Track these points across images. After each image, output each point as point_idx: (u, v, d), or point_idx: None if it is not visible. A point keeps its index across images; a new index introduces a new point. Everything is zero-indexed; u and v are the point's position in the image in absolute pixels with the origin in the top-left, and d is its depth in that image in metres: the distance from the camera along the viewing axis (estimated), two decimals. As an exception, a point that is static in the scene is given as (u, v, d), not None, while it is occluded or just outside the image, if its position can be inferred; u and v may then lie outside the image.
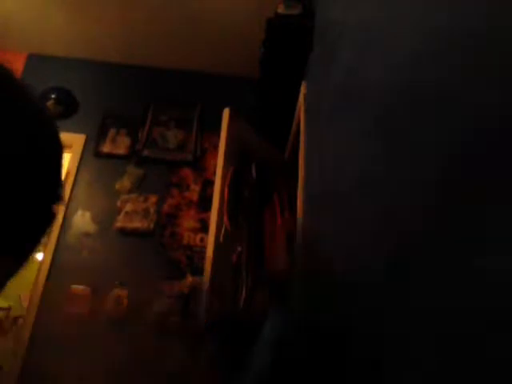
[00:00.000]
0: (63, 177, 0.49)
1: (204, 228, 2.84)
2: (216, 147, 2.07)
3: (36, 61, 3.42)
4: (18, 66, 3.29)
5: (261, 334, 1.26)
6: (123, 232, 2.87)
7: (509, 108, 0.41)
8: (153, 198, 2.98)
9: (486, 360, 0.41)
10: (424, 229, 0.58)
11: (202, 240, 2.82)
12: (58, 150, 0.46)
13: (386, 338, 0.68)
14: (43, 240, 0.46)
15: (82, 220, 2.90)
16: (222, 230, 1.90)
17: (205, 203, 2.91)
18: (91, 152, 3.13)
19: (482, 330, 0.42)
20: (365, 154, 0.94)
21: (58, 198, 0.46)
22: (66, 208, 2.91)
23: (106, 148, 3.14)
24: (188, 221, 2.93)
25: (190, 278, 2.67)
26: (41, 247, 2.76)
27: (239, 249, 2.00)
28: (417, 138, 0.64)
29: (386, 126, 0.80)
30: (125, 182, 3.02)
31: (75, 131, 3.16)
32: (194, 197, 2.99)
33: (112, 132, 3.20)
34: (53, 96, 3.17)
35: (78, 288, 2.71)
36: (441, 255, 0.52)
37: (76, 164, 3.08)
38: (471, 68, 0.50)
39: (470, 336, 0.44)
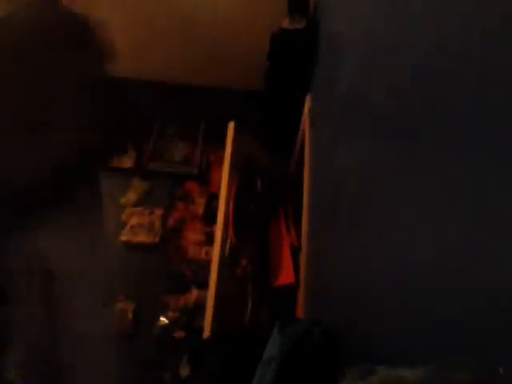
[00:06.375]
0: None
1: (209, 241, 2.83)
2: (221, 161, 2.08)
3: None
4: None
5: (267, 348, 1.25)
6: (128, 246, 2.87)
7: None
8: (158, 212, 2.98)
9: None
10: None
11: (207, 253, 2.81)
12: None
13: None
14: None
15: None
16: (228, 244, 1.90)
17: (210, 217, 2.90)
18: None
19: None
20: (371, 165, 0.94)
21: None
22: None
23: (112, 161, 3.15)
24: (193, 234, 2.92)
25: (195, 292, 2.66)
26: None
27: (244, 262, 1.99)
28: (427, 152, 0.64)
29: (393, 139, 0.80)
30: (130, 196, 3.03)
31: (81, 145, 3.17)
32: (199, 210, 2.99)
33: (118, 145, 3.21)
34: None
35: (83, 302, 2.69)
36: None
37: (82, 178, 3.09)
38: (473, 80, 0.50)
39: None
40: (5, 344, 1.72)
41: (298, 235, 1.97)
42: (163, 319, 2.62)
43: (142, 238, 2.88)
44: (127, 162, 3.16)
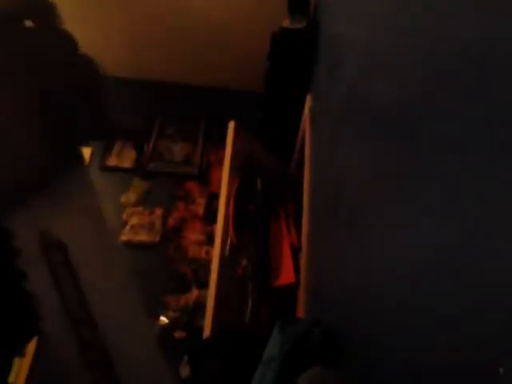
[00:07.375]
0: None
1: (209, 241, 2.83)
2: (221, 160, 2.08)
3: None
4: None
5: (267, 348, 1.25)
6: (129, 245, 2.87)
7: None
8: (158, 211, 2.98)
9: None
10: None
11: (207, 253, 2.81)
12: None
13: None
14: None
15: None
16: (228, 243, 1.90)
17: (210, 216, 2.90)
18: (97, 166, 3.15)
19: None
20: (371, 165, 0.94)
21: None
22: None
23: (112, 161, 3.15)
24: (193, 234, 2.92)
25: (195, 292, 2.66)
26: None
27: (244, 262, 1.99)
28: (427, 152, 0.64)
29: (393, 139, 0.80)
30: (130, 196, 3.03)
31: (81, 145, 3.18)
32: (200, 210, 2.99)
33: (118, 145, 3.22)
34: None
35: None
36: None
37: (82, 177, 3.10)
38: (474, 81, 0.50)
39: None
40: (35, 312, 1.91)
41: (298, 235, 1.97)
42: (163, 319, 2.62)
43: (142, 237, 2.88)
44: (127, 162, 3.16)
